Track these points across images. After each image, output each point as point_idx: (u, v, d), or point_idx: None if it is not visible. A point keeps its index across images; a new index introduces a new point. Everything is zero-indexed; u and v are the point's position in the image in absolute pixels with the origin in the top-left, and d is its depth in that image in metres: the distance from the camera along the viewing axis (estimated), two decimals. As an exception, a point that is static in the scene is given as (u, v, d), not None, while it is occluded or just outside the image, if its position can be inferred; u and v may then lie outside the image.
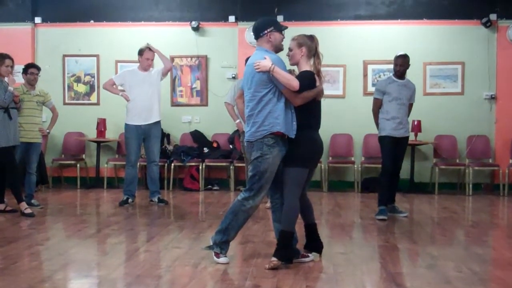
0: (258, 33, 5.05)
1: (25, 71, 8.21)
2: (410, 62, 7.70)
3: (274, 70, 4.78)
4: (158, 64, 8.98)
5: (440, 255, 5.50)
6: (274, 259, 4.84)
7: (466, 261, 5.21)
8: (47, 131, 8.47)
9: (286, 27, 5.14)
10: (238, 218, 4.99)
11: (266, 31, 5.00)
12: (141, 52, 8.44)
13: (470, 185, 10.18)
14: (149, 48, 8.43)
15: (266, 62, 4.80)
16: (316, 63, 5.00)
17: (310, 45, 5.01)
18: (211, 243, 5.10)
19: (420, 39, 10.69)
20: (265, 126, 4.86)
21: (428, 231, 6.96)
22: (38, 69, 8.30)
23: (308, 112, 4.97)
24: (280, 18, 10.60)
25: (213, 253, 5.04)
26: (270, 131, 4.85)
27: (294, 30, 10.46)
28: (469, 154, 10.58)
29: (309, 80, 4.91)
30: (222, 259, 5.00)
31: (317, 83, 4.98)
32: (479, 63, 10.67)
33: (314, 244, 5.23)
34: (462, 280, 4.56)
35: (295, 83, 4.79)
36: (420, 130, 10.26)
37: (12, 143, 7.51)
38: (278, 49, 5.08)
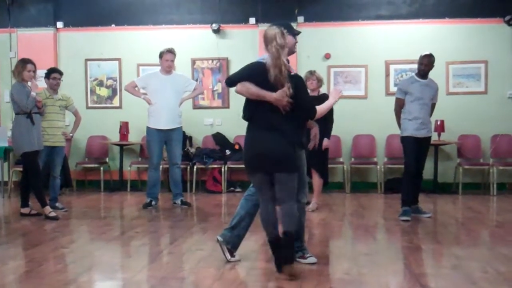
0: None
1: (47, 76, 8.25)
2: (433, 62, 7.66)
3: None
4: (178, 67, 8.98)
5: (465, 255, 5.44)
6: None
7: (491, 261, 5.15)
8: (70, 134, 8.54)
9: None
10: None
11: None
12: (161, 55, 8.50)
13: (495, 185, 10.06)
14: (168, 50, 8.48)
15: None
16: None
17: None
18: (296, 256, 5.05)
19: (442, 38, 10.61)
20: None
21: (453, 232, 6.89)
22: (61, 73, 8.35)
23: (247, 106, 5.06)
24: (300, 19, 10.65)
25: (298, 258, 5.03)
26: None
27: (315, 31, 10.69)
28: (493, 153, 10.48)
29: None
30: (310, 259, 5.03)
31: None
32: (502, 61, 10.58)
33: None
34: (487, 280, 4.51)
35: None
36: (443, 130, 10.18)
37: (35, 148, 7.58)
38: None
